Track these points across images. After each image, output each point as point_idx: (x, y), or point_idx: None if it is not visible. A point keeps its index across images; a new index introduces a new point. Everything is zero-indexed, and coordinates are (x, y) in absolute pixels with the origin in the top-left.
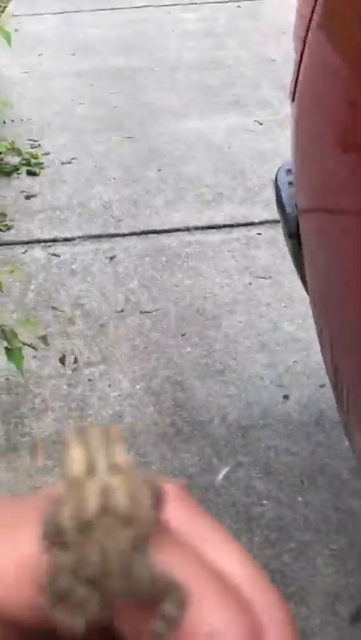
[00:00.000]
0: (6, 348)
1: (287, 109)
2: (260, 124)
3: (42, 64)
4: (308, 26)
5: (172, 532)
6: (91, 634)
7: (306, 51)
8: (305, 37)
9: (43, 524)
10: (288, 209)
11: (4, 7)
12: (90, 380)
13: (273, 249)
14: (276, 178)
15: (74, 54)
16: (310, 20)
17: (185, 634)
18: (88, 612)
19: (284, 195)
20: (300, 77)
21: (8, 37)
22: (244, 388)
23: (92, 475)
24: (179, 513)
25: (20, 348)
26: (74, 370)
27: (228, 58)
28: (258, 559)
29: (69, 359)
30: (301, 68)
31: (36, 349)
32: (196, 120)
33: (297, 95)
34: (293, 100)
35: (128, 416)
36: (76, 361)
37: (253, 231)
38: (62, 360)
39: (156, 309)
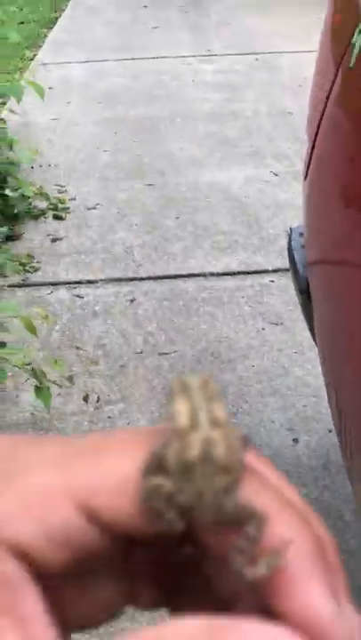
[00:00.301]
0: (36, 386)
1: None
2: (276, 175)
3: (69, 112)
4: (325, 104)
5: (254, 471)
6: (179, 546)
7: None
8: (321, 115)
9: (148, 454)
10: (300, 268)
11: (34, 55)
12: (110, 417)
13: (285, 296)
14: (289, 239)
15: (100, 103)
16: (327, 98)
17: (262, 546)
18: (172, 530)
19: (296, 255)
20: (313, 154)
21: (42, 92)
22: (255, 430)
23: (195, 428)
24: (254, 458)
25: (49, 387)
26: (96, 408)
27: (246, 109)
28: None
29: (92, 397)
30: (316, 140)
31: (61, 387)
32: (214, 170)
33: (311, 167)
34: (306, 178)
35: None
36: (98, 400)
37: (267, 278)
38: (86, 398)
39: (174, 351)
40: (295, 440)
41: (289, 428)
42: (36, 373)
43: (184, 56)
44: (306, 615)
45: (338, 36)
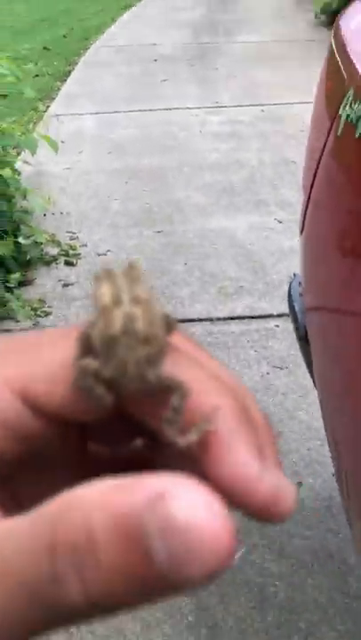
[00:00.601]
0: None
1: None
2: (280, 223)
3: (82, 162)
4: (320, 157)
5: (178, 348)
6: (114, 423)
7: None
8: (316, 167)
9: (77, 339)
10: (299, 316)
11: (48, 107)
12: None
13: (290, 341)
14: (289, 287)
15: (110, 153)
16: (321, 155)
17: (192, 413)
18: (103, 405)
19: (296, 304)
20: (309, 207)
21: (55, 146)
22: None
23: (117, 305)
24: (182, 339)
25: None
26: None
27: (251, 159)
28: (270, 639)
29: None
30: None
31: None
32: (220, 217)
33: (307, 217)
34: (302, 232)
35: None
36: None
37: (272, 323)
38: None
39: None
40: (299, 483)
41: (294, 471)
42: None
43: (192, 108)
44: (233, 475)
45: (329, 100)
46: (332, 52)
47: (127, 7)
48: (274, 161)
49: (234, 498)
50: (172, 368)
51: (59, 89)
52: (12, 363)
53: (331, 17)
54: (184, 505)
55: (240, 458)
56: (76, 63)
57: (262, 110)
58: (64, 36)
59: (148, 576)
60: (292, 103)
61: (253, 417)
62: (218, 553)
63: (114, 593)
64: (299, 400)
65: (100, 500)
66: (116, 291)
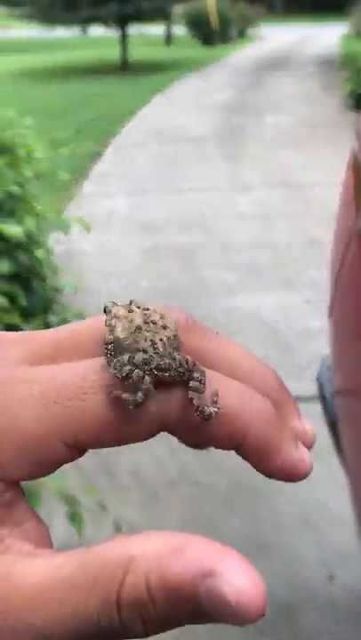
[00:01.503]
0: (69, 513)
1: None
2: (308, 303)
3: (112, 241)
4: (347, 245)
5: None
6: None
7: (345, 256)
8: (343, 255)
9: (105, 341)
10: (329, 401)
11: (80, 187)
12: None
13: (319, 424)
14: (318, 373)
15: (140, 232)
16: (349, 239)
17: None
18: (145, 386)
19: (325, 389)
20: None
21: (87, 227)
22: (290, 566)
23: (131, 312)
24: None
25: (81, 515)
26: None
27: (278, 239)
28: None
29: (124, 527)
30: (340, 278)
31: (93, 514)
32: (247, 296)
33: (335, 302)
34: (330, 315)
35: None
36: (130, 529)
37: (301, 406)
38: (118, 527)
39: (207, 482)
40: (330, 577)
41: (323, 563)
42: (69, 500)
43: (220, 188)
44: (285, 469)
45: (356, 190)
46: (353, 152)
47: (158, 90)
48: (301, 241)
49: (273, 474)
50: (192, 353)
51: (91, 169)
52: (59, 414)
53: (357, 100)
54: (232, 585)
55: (286, 455)
56: (108, 145)
57: (290, 191)
58: (96, 119)
59: (194, 620)
60: (319, 184)
61: (275, 397)
62: (252, 619)
63: (166, 627)
64: (330, 488)
65: (158, 566)
66: (128, 309)
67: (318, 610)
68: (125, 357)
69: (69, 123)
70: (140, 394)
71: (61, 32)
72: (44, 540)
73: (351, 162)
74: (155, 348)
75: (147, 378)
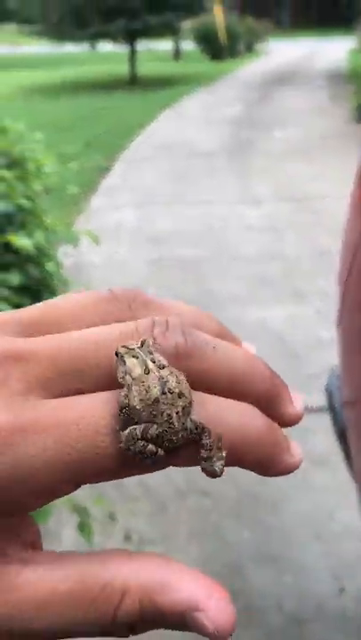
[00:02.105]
0: (78, 523)
1: None
2: (318, 313)
3: (120, 253)
4: (353, 255)
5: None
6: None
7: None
8: (351, 260)
9: (120, 405)
10: (338, 411)
11: (89, 200)
12: None
13: (329, 435)
14: (327, 382)
15: (149, 244)
16: (356, 250)
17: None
18: (157, 460)
19: (334, 399)
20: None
21: (96, 240)
22: (299, 577)
23: (148, 372)
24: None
25: (90, 525)
26: (137, 547)
27: (288, 250)
28: None
29: (133, 536)
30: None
31: (103, 525)
32: (256, 308)
33: (343, 311)
34: (339, 325)
35: None
36: (139, 540)
37: (311, 417)
38: (128, 537)
39: (216, 492)
40: (341, 589)
41: (333, 575)
42: (79, 510)
43: (229, 201)
44: (280, 473)
45: None
46: (360, 164)
47: (166, 105)
48: (310, 252)
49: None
50: (198, 408)
51: (100, 183)
52: (73, 463)
53: None
54: (213, 623)
55: (281, 464)
56: (117, 159)
57: (299, 202)
58: (105, 133)
59: (174, 629)
60: (328, 196)
61: (269, 387)
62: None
63: (149, 630)
64: (339, 498)
65: (150, 599)
66: (141, 361)
67: (328, 621)
68: (138, 431)
69: (79, 137)
70: (148, 461)
71: (71, 48)
72: (38, 542)
73: (358, 173)
74: (170, 423)
75: (159, 452)
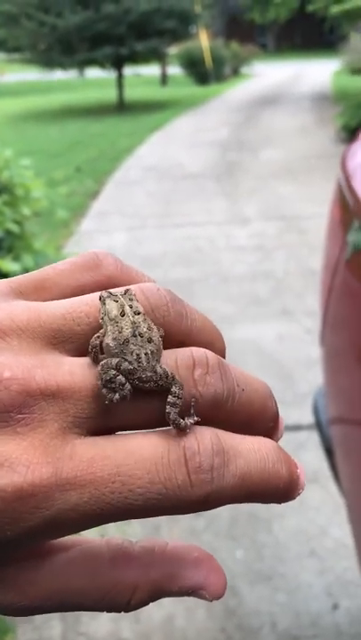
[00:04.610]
0: None
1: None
2: (307, 332)
3: None
4: (332, 279)
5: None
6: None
7: (332, 290)
8: (330, 288)
9: (90, 345)
10: (325, 428)
11: (79, 224)
12: None
13: (320, 452)
14: (314, 399)
15: (138, 266)
16: (334, 273)
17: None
18: (125, 391)
19: (321, 415)
20: (327, 319)
21: None
22: (293, 595)
23: (123, 315)
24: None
25: None
26: None
27: (277, 270)
28: None
29: None
30: (329, 304)
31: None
32: (247, 327)
33: (325, 330)
34: (322, 343)
35: (180, 619)
36: None
37: (302, 434)
38: None
39: (209, 512)
40: (334, 605)
41: (328, 592)
42: None
43: (218, 222)
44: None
45: (339, 226)
46: (338, 184)
47: (154, 128)
48: (299, 271)
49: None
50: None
51: (90, 207)
52: (100, 511)
53: (350, 134)
54: (212, 595)
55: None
56: (107, 183)
57: (286, 222)
58: (95, 158)
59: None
60: (315, 215)
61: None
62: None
63: None
64: (332, 515)
65: (159, 588)
66: (120, 305)
67: (322, 638)
68: (114, 362)
69: (69, 162)
70: (117, 395)
71: (59, 74)
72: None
73: (337, 193)
74: (139, 362)
75: (127, 385)
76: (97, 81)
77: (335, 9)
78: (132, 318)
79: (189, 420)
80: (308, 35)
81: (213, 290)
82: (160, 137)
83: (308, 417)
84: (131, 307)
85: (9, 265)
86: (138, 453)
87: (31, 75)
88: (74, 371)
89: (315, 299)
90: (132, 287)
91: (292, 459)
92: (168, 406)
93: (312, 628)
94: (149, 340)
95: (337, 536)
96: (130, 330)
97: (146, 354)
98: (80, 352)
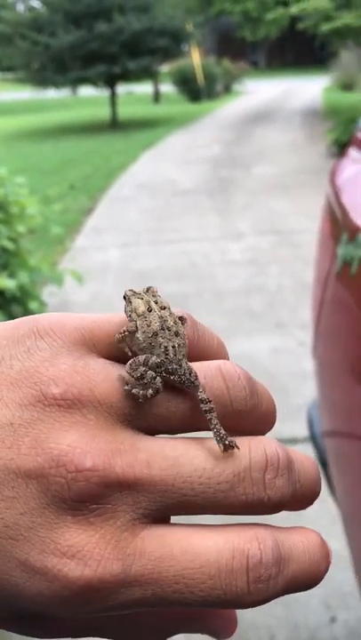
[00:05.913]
0: None
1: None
2: (301, 345)
3: (105, 291)
4: (323, 293)
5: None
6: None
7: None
8: (321, 301)
9: (117, 338)
10: (319, 441)
11: (74, 240)
12: None
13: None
14: (308, 412)
15: (133, 281)
16: (325, 288)
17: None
18: (157, 385)
19: (315, 428)
20: (317, 336)
21: (80, 279)
22: (291, 608)
23: (151, 311)
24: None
25: None
26: None
27: (271, 284)
28: None
29: None
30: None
31: None
32: (241, 340)
33: (317, 343)
34: (314, 355)
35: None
36: None
37: (297, 447)
38: None
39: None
40: (332, 618)
41: (326, 605)
42: None
43: (212, 237)
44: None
45: (329, 239)
46: (328, 198)
47: (148, 146)
48: (292, 285)
49: None
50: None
51: (84, 224)
52: (158, 603)
53: (341, 148)
54: (220, 637)
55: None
56: (101, 199)
57: (279, 237)
58: (89, 175)
59: None
60: (307, 229)
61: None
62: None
63: None
64: (329, 528)
65: (182, 626)
66: (146, 301)
67: None
68: (141, 359)
69: (63, 179)
70: (150, 390)
71: (52, 93)
72: None
73: (326, 207)
74: (166, 354)
75: (158, 379)
76: (90, 99)
77: (325, 27)
78: (158, 313)
79: (232, 440)
80: (299, 52)
81: (208, 304)
82: (153, 154)
83: (303, 430)
84: (156, 302)
85: (5, 282)
86: (203, 558)
87: (25, 93)
88: (151, 462)
89: (308, 312)
90: (209, 363)
91: (329, 549)
92: (207, 414)
93: None
94: (177, 334)
95: (334, 548)
96: (158, 323)
97: (173, 347)
98: (151, 430)
